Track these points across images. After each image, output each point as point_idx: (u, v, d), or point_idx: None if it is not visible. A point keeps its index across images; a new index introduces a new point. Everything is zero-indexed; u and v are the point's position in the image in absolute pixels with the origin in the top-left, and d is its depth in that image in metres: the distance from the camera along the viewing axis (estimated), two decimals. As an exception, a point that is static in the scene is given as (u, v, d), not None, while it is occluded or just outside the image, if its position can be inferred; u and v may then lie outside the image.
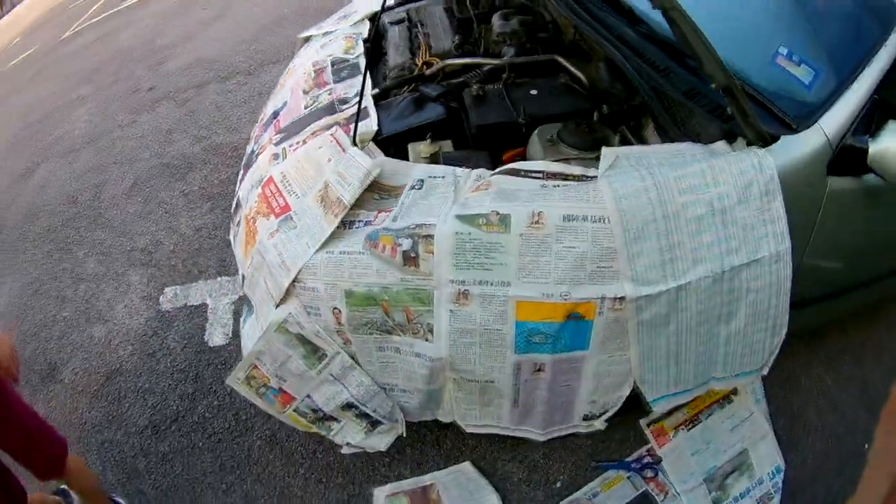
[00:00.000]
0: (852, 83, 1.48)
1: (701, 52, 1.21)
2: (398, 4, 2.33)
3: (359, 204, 1.33)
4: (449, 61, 1.81)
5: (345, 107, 1.65)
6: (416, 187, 1.37)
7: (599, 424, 1.45)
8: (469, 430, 1.52)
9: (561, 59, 1.76)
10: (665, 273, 1.27)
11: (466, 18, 2.01)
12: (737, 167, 1.31)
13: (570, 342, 1.29)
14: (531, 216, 1.24)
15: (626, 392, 1.39)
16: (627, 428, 1.75)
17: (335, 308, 1.33)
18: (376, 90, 1.76)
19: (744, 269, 1.32)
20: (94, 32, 7.58)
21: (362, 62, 1.85)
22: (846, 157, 1.45)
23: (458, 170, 1.41)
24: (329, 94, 1.75)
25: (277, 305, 1.38)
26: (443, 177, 1.40)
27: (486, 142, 1.59)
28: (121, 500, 1.77)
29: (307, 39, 2.23)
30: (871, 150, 1.44)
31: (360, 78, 1.71)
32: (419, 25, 2.10)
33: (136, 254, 2.73)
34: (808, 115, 1.46)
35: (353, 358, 1.39)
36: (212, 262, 2.51)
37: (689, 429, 1.79)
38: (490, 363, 1.34)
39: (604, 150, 1.36)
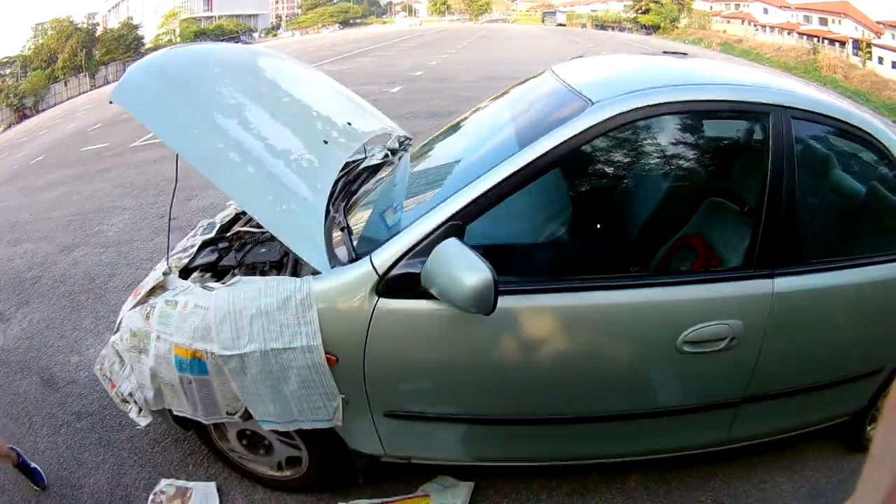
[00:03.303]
0: (416, 221, 1.82)
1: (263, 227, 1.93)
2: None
3: (152, 293, 2.13)
4: (236, 229, 2.60)
5: (188, 251, 2.45)
6: (173, 289, 2.10)
7: (238, 418, 2.05)
8: (176, 414, 2.14)
9: None
10: (234, 344, 1.83)
11: None
12: (281, 288, 1.83)
13: (198, 370, 1.92)
14: (183, 304, 1.96)
15: (244, 405, 1.97)
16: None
17: (127, 337, 2.09)
18: (208, 238, 2.52)
19: (283, 352, 1.83)
20: (160, 151, 8.89)
21: (209, 235, 2.58)
22: (402, 281, 1.78)
23: (186, 282, 2.12)
24: (188, 241, 2.60)
25: (114, 333, 2.19)
26: (183, 287, 2.08)
27: (223, 272, 2.27)
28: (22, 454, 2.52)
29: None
30: (422, 272, 1.71)
31: (198, 236, 2.56)
32: None
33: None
34: (370, 250, 1.84)
35: (131, 366, 2.12)
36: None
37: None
38: (168, 374, 2.00)
39: (236, 278, 2.00)
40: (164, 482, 2.55)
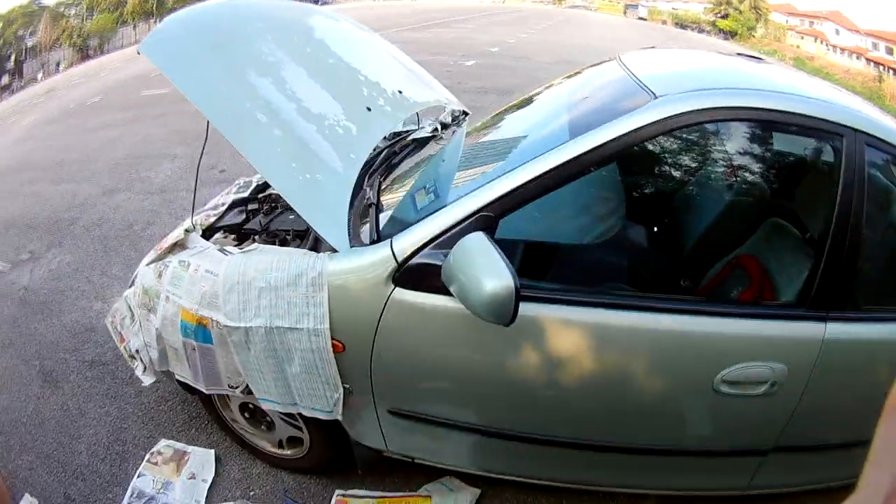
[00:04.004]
0: (445, 207, 1.66)
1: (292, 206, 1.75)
2: None
3: (171, 250, 2.06)
4: (270, 191, 2.48)
5: (218, 209, 2.41)
6: (192, 248, 2.03)
7: (240, 392, 1.97)
8: (178, 379, 2.09)
9: None
10: (240, 316, 1.73)
11: None
12: (294, 263, 1.71)
13: (202, 338, 1.85)
14: (195, 267, 1.87)
15: (246, 379, 1.88)
16: (327, 491, 2.31)
17: (139, 293, 2.03)
18: (240, 198, 2.48)
19: (288, 332, 1.71)
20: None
21: (243, 194, 2.53)
22: (422, 271, 1.62)
23: (206, 243, 2.03)
24: (221, 198, 2.57)
25: (129, 287, 2.15)
26: (202, 247, 2.01)
27: (245, 236, 2.20)
28: None
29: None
30: (443, 265, 1.55)
31: (230, 195, 2.53)
32: None
33: (146, 273, 3.95)
34: (395, 233, 1.69)
35: (140, 324, 2.07)
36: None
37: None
38: (173, 337, 1.93)
39: (253, 245, 1.92)
40: (163, 443, 2.51)
